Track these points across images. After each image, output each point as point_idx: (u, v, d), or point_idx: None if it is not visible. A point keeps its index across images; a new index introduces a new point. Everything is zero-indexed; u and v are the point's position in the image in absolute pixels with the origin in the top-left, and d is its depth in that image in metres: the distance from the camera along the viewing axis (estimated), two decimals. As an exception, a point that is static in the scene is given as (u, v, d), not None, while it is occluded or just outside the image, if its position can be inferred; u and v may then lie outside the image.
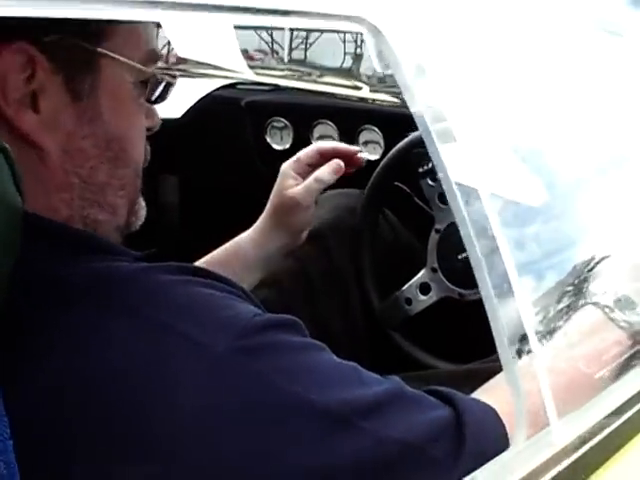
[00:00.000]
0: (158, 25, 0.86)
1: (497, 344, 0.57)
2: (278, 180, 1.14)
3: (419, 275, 1.24)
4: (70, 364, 0.58)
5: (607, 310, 0.77)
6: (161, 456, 0.56)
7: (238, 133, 1.74)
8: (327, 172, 1.11)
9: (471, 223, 0.55)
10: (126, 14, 0.48)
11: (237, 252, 1.13)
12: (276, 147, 1.70)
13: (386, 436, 0.61)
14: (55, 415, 0.57)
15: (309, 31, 11.47)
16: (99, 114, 0.67)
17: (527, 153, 0.77)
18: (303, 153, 1.14)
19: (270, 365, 0.59)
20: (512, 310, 0.59)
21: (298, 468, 0.58)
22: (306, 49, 11.21)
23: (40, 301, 0.60)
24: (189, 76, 1.91)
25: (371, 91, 1.76)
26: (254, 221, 1.13)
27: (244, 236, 1.14)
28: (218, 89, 1.81)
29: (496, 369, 0.77)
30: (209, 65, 1.98)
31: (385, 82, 1.73)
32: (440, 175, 0.55)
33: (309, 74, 1.93)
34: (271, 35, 11.23)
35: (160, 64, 0.74)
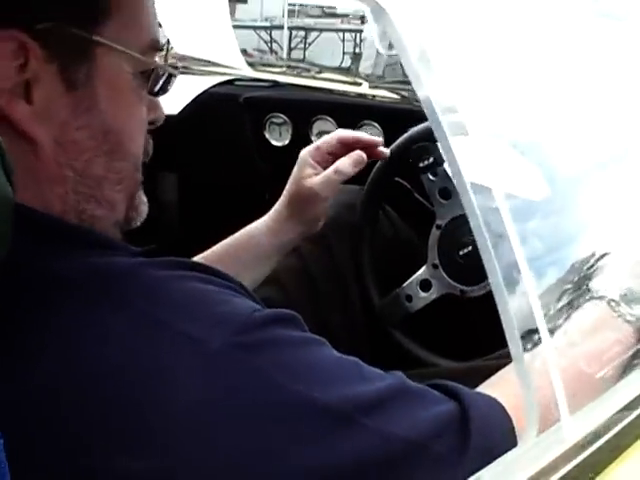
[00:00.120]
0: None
1: (507, 336, 0.55)
2: (296, 167, 1.11)
3: (420, 272, 1.23)
4: (66, 360, 0.56)
5: (613, 304, 0.76)
6: (159, 452, 0.55)
7: (237, 129, 1.73)
8: (348, 164, 1.08)
9: (481, 213, 0.53)
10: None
11: (249, 241, 1.10)
12: (275, 143, 1.69)
13: (389, 433, 0.59)
14: (51, 413, 0.56)
15: (308, 30, 11.53)
16: (95, 105, 0.65)
17: (528, 145, 0.75)
18: (323, 141, 1.11)
19: (270, 361, 0.58)
20: (522, 302, 0.57)
21: (299, 466, 0.57)
22: (305, 49, 11.28)
23: (34, 296, 0.59)
24: (187, 73, 1.90)
25: (370, 87, 1.75)
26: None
27: (258, 224, 1.11)
28: (216, 85, 1.80)
29: (499, 366, 0.76)
30: (207, 62, 1.97)
31: (384, 78, 1.72)
32: (445, 156, 0.53)
33: (308, 70, 1.92)
34: (270, 34, 11.32)
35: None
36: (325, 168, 1.09)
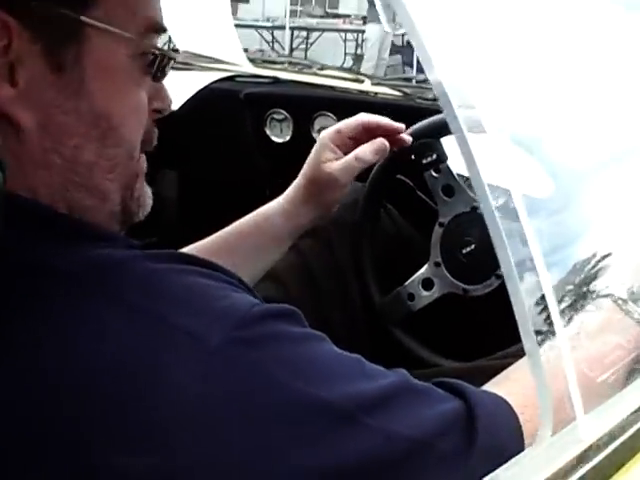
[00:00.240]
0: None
1: (521, 331, 0.53)
2: (315, 150, 1.08)
3: (422, 270, 1.21)
4: (62, 358, 0.55)
5: (620, 302, 0.75)
6: (158, 450, 0.53)
7: (237, 126, 1.71)
8: (369, 151, 1.06)
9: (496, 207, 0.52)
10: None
11: (264, 223, 1.07)
12: (276, 140, 1.67)
13: (393, 432, 0.57)
14: (50, 412, 0.54)
15: (309, 30, 11.56)
16: (84, 87, 0.62)
17: (532, 141, 0.74)
18: (345, 125, 1.09)
19: (269, 356, 0.56)
20: (535, 295, 0.55)
21: (299, 466, 0.55)
22: (307, 49, 11.30)
23: (28, 289, 0.57)
24: (187, 68, 1.89)
25: (373, 84, 1.74)
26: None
27: (272, 207, 1.08)
28: (216, 81, 1.78)
29: (503, 366, 0.75)
30: (208, 58, 1.96)
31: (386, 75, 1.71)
32: (457, 136, 0.51)
33: (309, 67, 1.90)
34: (272, 34, 11.36)
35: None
36: (345, 152, 1.07)
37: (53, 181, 0.62)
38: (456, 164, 1.19)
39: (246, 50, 2.15)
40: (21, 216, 0.59)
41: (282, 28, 10.72)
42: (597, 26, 0.87)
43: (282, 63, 2.00)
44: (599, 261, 0.72)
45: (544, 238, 0.64)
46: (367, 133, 1.07)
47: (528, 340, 0.53)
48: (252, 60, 1.96)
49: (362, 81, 1.74)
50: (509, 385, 0.69)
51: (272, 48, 9.88)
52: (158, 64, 0.67)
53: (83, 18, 0.61)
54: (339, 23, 11.68)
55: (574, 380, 0.55)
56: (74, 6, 0.60)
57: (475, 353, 1.10)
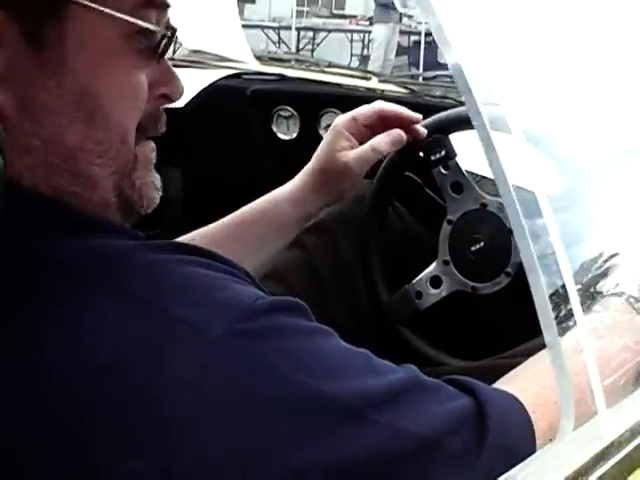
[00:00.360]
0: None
1: (542, 323, 0.52)
2: (329, 138, 1.07)
3: (430, 268, 1.19)
4: (65, 354, 0.53)
5: (632, 300, 0.74)
6: (159, 443, 0.52)
7: (243, 123, 1.70)
8: (385, 142, 1.04)
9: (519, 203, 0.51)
10: None
11: (270, 210, 1.06)
12: (282, 137, 1.67)
13: (401, 429, 0.56)
14: (54, 411, 0.53)
15: (316, 31, 11.57)
16: (66, 67, 0.60)
17: (540, 137, 0.72)
18: (361, 112, 1.07)
19: (273, 349, 0.55)
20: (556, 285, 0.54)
21: (300, 460, 0.54)
22: (313, 49, 11.31)
23: (29, 281, 0.56)
24: (194, 66, 1.88)
25: (380, 82, 1.73)
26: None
27: (280, 193, 1.07)
28: (222, 79, 1.77)
29: (512, 365, 0.74)
30: (215, 55, 1.95)
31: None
32: (480, 133, 0.50)
33: (317, 64, 1.89)
34: (278, 34, 11.39)
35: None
36: (360, 141, 1.05)
37: (36, 166, 0.60)
38: (465, 161, 1.17)
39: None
40: (21, 205, 0.58)
41: (288, 28, 10.73)
42: (615, 23, 0.86)
43: (289, 61, 1.99)
44: (606, 260, 0.71)
45: (549, 237, 0.63)
46: (382, 121, 1.06)
47: (549, 332, 0.52)
48: (259, 58, 1.95)
49: (369, 78, 1.73)
50: (520, 383, 0.67)
51: (278, 48, 9.89)
52: (157, 44, 0.64)
53: None
54: (345, 24, 11.69)
55: (595, 372, 0.54)
56: None
57: (484, 352, 1.09)
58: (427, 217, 1.29)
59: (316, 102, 1.61)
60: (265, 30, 10.54)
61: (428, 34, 9.85)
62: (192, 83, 1.76)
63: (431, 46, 9.72)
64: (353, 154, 1.04)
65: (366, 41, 11.19)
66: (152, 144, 0.69)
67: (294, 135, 1.64)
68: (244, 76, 1.80)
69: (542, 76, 0.73)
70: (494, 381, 0.70)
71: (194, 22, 1.98)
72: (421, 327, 1.20)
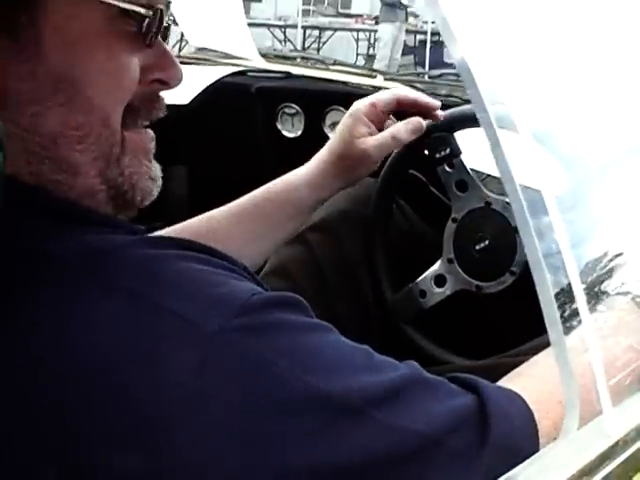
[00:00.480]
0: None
1: (546, 320, 0.52)
2: (347, 124, 1.06)
3: (434, 267, 1.19)
4: (55, 348, 0.53)
5: (638, 300, 0.73)
6: (155, 440, 0.51)
7: (248, 120, 1.70)
8: (405, 130, 1.04)
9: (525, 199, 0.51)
10: None
11: (289, 195, 1.05)
12: (287, 134, 1.66)
13: (401, 427, 0.55)
14: (50, 410, 0.52)
15: (322, 29, 11.58)
16: (42, 52, 0.58)
17: (544, 136, 0.72)
18: (380, 99, 1.07)
19: (270, 346, 0.54)
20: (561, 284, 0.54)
21: (299, 462, 0.53)
22: (319, 48, 11.31)
23: (18, 274, 0.55)
24: (199, 63, 1.88)
25: (385, 80, 1.72)
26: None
27: (298, 177, 1.06)
28: (228, 76, 1.77)
29: (515, 364, 0.73)
30: (221, 53, 1.95)
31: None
32: (487, 131, 0.50)
33: (322, 62, 1.89)
34: (284, 33, 11.40)
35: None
36: (378, 127, 1.05)
37: (15, 154, 0.58)
38: (470, 159, 1.17)
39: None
40: (15, 199, 0.56)
41: (294, 27, 10.73)
42: (625, 18, 0.85)
43: (294, 58, 1.99)
44: (612, 259, 0.71)
45: (554, 237, 0.63)
46: (400, 108, 1.06)
47: (554, 331, 0.51)
48: (264, 55, 1.94)
49: (374, 76, 1.73)
50: (524, 381, 0.67)
51: (285, 47, 9.89)
52: (146, 27, 0.62)
53: None
54: (351, 23, 11.69)
55: (601, 372, 0.53)
56: None
57: (488, 351, 1.08)
58: (432, 215, 1.29)
59: (321, 100, 1.60)
60: (271, 29, 10.54)
61: (434, 33, 9.84)
62: (197, 80, 1.75)
63: (437, 45, 9.72)
64: (373, 141, 1.04)
65: (372, 40, 11.19)
66: (150, 134, 0.67)
67: (299, 132, 1.64)
68: (249, 73, 1.79)
69: (549, 74, 0.73)
70: (498, 380, 0.69)
71: (200, 20, 1.98)
72: (425, 326, 1.20)
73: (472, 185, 1.15)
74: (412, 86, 1.64)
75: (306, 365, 0.54)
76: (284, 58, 1.99)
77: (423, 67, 9.49)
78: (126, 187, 0.64)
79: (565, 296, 0.55)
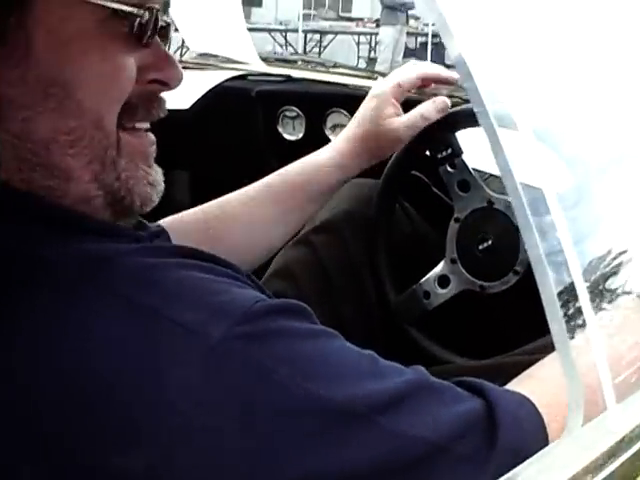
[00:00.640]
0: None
1: (548, 317, 0.51)
2: (375, 104, 1.07)
3: (438, 267, 1.18)
4: (47, 357, 0.52)
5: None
6: (154, 448, 0.51)
7: (249, 123, 1.69)
8: (433, 109, 1.06)
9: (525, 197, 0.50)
10: None
11: (313, 175, 1.05)
12: (288, 137, 1.66)
13: (407, 435, 0.54)
14: (47, 414, 0.52)
15: (323, 33, 11.61)
16: (32, 56, 0.57)
17: (546, 133, 0.71)
18: (405, 78, 1.08)
19: (272, 354, 0.53)
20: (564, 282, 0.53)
21: (302, 472, 0.52)
22: (320, 52, 11.33)
23: (17, 282, 0.54)
24: (200, 68, 1.87)
25: (386, 81, 1.72)
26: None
27: (323, 158, 1.07)
28: (228, 80, 1.77)
29: (522, 362, 0.72)
30: (221, 57, 1.95)
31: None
32: (487, 130, 0.49)
33: (322, 65, 1.88)
34: (285, 37, 11.43)
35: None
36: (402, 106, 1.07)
37: (7, 161, 0.58)
38: (471, 158, 1.16)
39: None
40: (7, 205, 0.56)
41: (295, 31, 10.74)
42: (628, 16, 0.85)
43: (295, 62, 1.98)
44: (615, 257, 0.70)
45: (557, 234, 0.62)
46: (424, 85, 1.09)
47: (557, 329, 0.51)
48: (264, 59, 1.94)
49: (375, 78, 1.72)
50: (532, 384, 0.66)
51: (286, 51, 9.89)
52: (140, 27, 0.61)
53: None
54: (352, 26, 11.70)
55: (606, 370, 0.52)
56: None
57: (492, 352, 1.07)
58: (434, 216, 1.28)
59: (322, 102, 1.60)
60: (272, 33, 10.55)
61: (435, 35, 9.84)
62: (198, 85, 1.75)
63: (438, 48, 9.72)
64: (403, 122, 1.06)
65: (373, 43, 11.19)
66: (150, 138, 0.66)
67: (300, 135, 1.64)
68: (250, 77, 1.79)
69: (550, 70, 0.72)
70: (502, 379, 0.69)
71: (200, 26, 1.98)
72: (429, 327, 1.19)
73: (474, 185, 1.14)
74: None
75: (308, 372, 0.54)
76: (284, 61, 1.98)
77: (424, 69, 9.48)
78: (123, 192, 0.63)
79: (568, 294, 0.55)
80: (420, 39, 11.20)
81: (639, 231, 0.78)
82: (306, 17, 11.72)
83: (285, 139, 1.66)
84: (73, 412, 0.51)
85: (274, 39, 10.49)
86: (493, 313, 1.16)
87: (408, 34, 10.24)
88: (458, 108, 1.15)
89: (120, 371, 0.51)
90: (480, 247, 1.13)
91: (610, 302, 0.67)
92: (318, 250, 1.18)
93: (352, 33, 11.47)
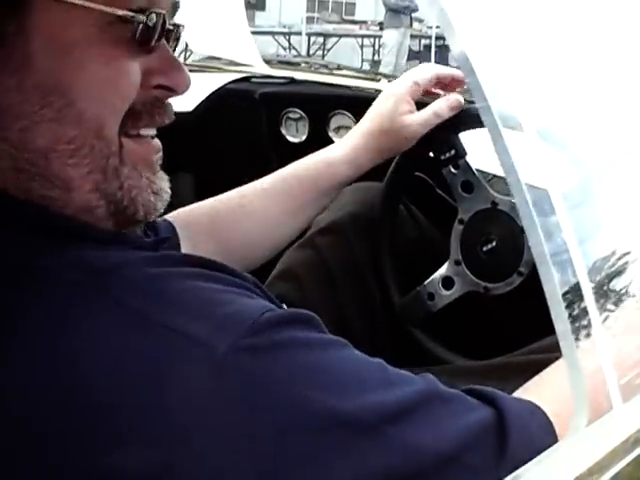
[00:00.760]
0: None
1: (553, 315, 0.51)
2: (389, 101, 1.09)
3: (442, 269, 1.18)
4: (49, 367, 0.51)
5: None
6: (161, 459, 0.50)
7: (252, 126, 1.69)
8: (446, 107, 1.07)
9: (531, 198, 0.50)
10: None
11: (324, 170, 1.07)
12: (291, 139, 1.65)
13: (417, 445, 0.54)
14: (36, 425, 0.51)
15: (326, 36, 11.63)
16: (30, 63, 0.56)
17: (551, 133, 0.71)
18: (421, 77, 1.10)
19: (281, 366, 0.52)
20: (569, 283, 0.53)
21: None
22: (323, 55, 11.35)
23: (18, 291, 0.54)
24: (203, 71, 1.87)
25: (389, 83, 1.71)
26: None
27: (334, 153, 1.09)
28: (231, 82, 1.77)
29: (528, 362, 0.72)
30: (224, 59, 1.95)
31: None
32: (491, 131, 0.49)
33: (325, 67, 1.88)
34: (289, 40, 11.45)
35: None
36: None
37: (5, 171, 0.57)
38: (475, 159, 1.16)
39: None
40: (5, 213, 0.55)
41: (299, 34, 10.75)
42: (628, 15, 0.84)
43: (298, 64, 1.98)
44: (620, 258, 0.70)
45: (562, 234, 0.62)
46: (439, 83, 1.10)
47: (562, 328, 0.50)
48: (268, 61, 1.94)
49: (378, 80, 1.72)
50: (542, 391, 0.65)
51: (289, 54, 9.90)
52: (144, 32, 0.59)
53: None
54: (356, 29, 11.71)
55: (611, 371, 0.52)
56: None
57: (497, 353, 1.07)
58: (438, 217, 1.28)
59: (325, 104, 1.60)
60: (276, 36, 10.56)
61: (439, 38, 9.84)
62: (201, 87, 1.75)
63: (442, 50, 9.72)
64: (417, 119, 1.07)
65: (377, 46, 11.20)
66: (156, 145, 0.65)
67: (303, 137, 1.63)
68: (253, 79, 1.79)
69: (554, 69, 0.72)
70: (508, 379, 0.68)
71: (204, 29, 1.98)
72: (434, 328, 1.19)
73: (478, 186, 1.14)
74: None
75: (319, 384, 0.53)
76: (287, 64, 1.98)
77: (428, 72, 9.48)
78: (126, 202, 0.61)
79: (573, 295, 0.54)
80: (424, 42, 11.21)
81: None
82: (309, 20, 11.74)
83: (288, 141, 1.66)
84: (77, 426, 0.50)
85: (278, 42, 10.50)
86: (497, 314, 1.15)
87: (412, 37, 10.24)
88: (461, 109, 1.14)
89: (126, 384, 0.50)
90: (484, 248, 1.13)
91: (615, 302, 0.67)
92: (323, 252, 1.17)
93: (356, 36, 11.48)
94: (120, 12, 0.58)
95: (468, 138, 1.15)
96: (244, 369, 0.51)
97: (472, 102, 1.18)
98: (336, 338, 0.58)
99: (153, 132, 0.65)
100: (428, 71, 1.11)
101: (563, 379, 0.66)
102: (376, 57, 11.26)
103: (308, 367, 0.54)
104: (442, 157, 1.16)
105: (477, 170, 1.15)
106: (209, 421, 0.50)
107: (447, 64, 1.19)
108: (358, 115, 1.52)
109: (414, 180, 1.27)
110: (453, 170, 1.16)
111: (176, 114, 0.68)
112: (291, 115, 1.65)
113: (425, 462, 0.54)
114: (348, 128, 1.54)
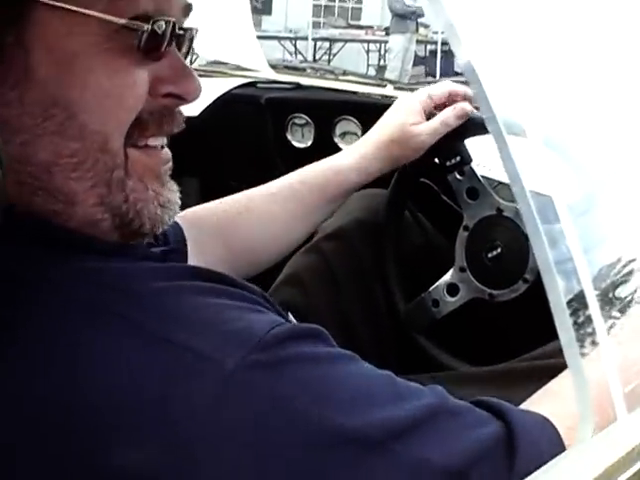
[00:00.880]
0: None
1: (557, 323, 0.51)
2: (403, 111, 1.11)
3: (447, 276, 1.18)
4: (48, 380, 0.51)
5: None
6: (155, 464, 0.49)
7: (258, 131, 1.69)
8: (453, 116, 1.09)
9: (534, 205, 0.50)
10: None
11: (332, 178, 1.08)
12: (297, 145, 1.66)
13: (425, 461, 0.53)
14: (34, 440, 0.50)
15: (332, 41, 11.64)
16: (31, 76, 0.54)
17: (556, 141, 0.71)
18: (436, 92, 1.12)
19: (289, 382, 0.52)
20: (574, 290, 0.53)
21: None
22: (329, 60, 11.36)
23: (12, 299, 0.53)
24: (209, 75, 1.88)
25: (395, 89, 1.71)
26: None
27: (343, 161, 1.10)
28: (237, 87, 1.77)
29: (533, 367, 0.71)
30: (230, 64, 1.95)
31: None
32: (496, 138, 0.49)
33: (331, 72, 1.88)
34: (295, 45, 11.46)
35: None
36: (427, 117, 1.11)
37: (8, 184, 0.54)
38: (480, 166, 1.16)
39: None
40: (7, 225, 0.54)
41: (305, 39, 10.76)
42: (633, 25, 0.84)
43: (304, 69, 1.98)
44: (625, 265, 0.69)
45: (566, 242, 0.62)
46: (451, 99, 1.12)
47: (565, 333, 0.50)
48: (274, 66, 1.94)
49: (384, 86, 1.72)
50: (552, 404, 0.64)
51: (295, 59, 9.91)
52: (151, 40, 0.57)
53: None
54: (362, 34, 11.71)
55: (616, 379, 0.52)
56: None
57: (501, 360, 1.07)
58: (443, 224, 1.28)
59: (331, 110, 1.60)
60: (282, 41, 10.58)
61: (444, 43, 9.85)
62: (207, 92, 1.75)
63: (448, 56, 9.72)
64: (426, 128, 1.09)
65: (382, 51, 11.20)
66: (164, 156, 0.63)
67: (309, 143, 1.64)
68: (259, 84, 1.79)
69: (558, 78, 0.72)
70: (512, 385, 0.68)
71: (210, 33, 1.98)
72: (438, 335, 1.19)
73: (483, 192, 1.14)
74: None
75: (327, 400, 0.52)
76: (293, 69, 1.98)
77: (434, 78, 9.48)
78: (131, 215, 0.60)
79: (578, 303, 0.54)
80: (430, 47, 11.21)
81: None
82: (316, 25, 11.76)
83: (294, 146, 1.66)
84: (82, 443, 0.50)
85: (284, 47, 10.52)
86: (502, 321, 1.15)
87: (418, 42, 10.24)
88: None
89: (132, 400, 0.50)
90: (489, 255, 1.13)
91: (620, 310, 0.66)
92: (328, 258, 1.17)
93: (362, 41, 11.49)
94: (123, 21, 0.56)
95: (474, 145, 1.15)
96: (250, 385, 0.51)
97: (477, 109, 1.19)
98: (344, 352, 0.57)
99: (162, 142, 0.63)
100: (443, 86, 1.14)
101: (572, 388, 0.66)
102: (382, 62, 11.26)
103: (315, 383, 0.53)
104: (448, 163, 1.16)
105: (482, 177, 1.15)
106: (214, 436, 0.50)
107: (452, 70, 1.21)
108: (364, 121, 1.53)
109: (420, 186, 1.27)
110: (458, 177, 1.16)
111: None
112: (297, 120, 1.65)
113: (434, 478, 0.53)
114: (354, 134, 1.55)
